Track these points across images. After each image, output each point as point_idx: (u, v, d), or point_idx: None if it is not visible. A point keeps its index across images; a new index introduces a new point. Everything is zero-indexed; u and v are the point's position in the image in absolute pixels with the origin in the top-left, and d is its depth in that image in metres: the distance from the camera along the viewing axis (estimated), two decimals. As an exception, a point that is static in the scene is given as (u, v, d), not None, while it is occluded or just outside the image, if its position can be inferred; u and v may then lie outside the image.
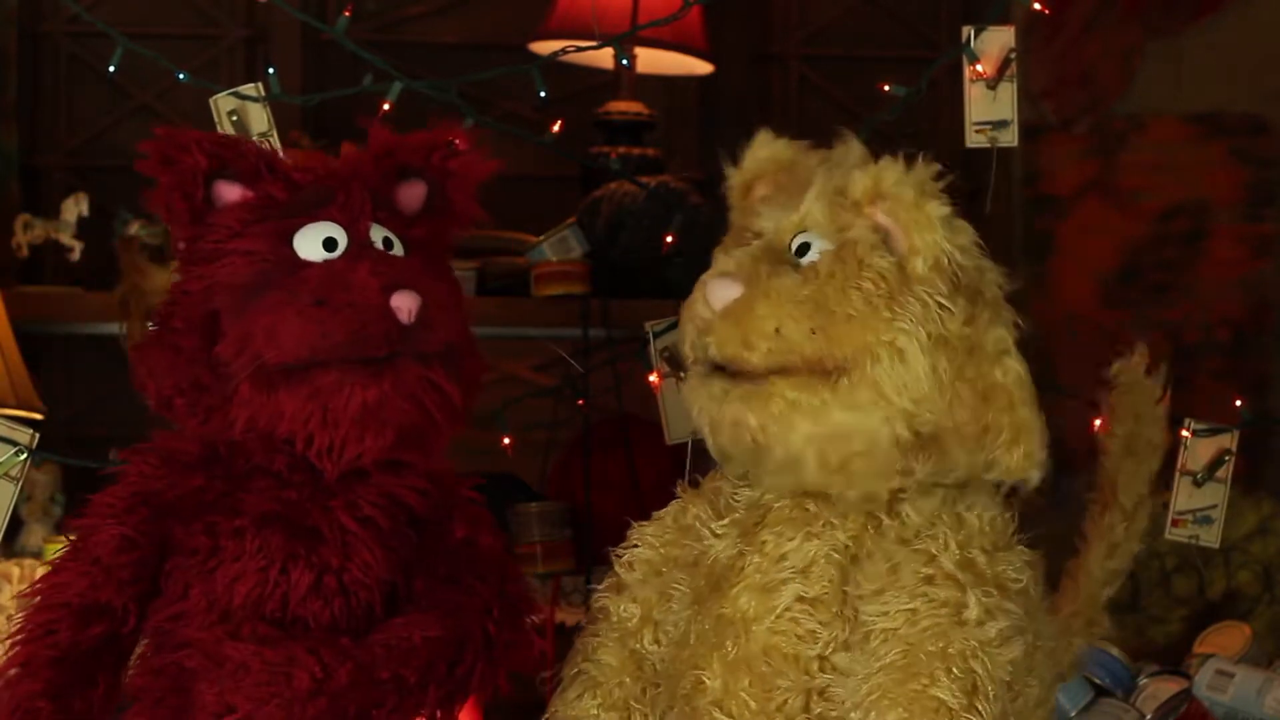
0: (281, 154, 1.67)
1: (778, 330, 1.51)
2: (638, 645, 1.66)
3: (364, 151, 1.66)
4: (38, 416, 2.75)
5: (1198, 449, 2.27)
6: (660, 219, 3.10)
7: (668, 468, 2.29)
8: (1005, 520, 1.60)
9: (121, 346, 3.15)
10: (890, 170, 1.57)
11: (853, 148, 1.63)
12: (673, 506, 1.70)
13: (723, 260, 1.59)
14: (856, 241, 1.55)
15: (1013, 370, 1.57)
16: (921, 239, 1.54)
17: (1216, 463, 2.28)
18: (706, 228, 3.13)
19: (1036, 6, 2.27)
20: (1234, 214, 3.84)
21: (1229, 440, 2.28)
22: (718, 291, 1.55)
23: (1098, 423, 1.94)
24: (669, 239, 2.98)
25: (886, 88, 2.20)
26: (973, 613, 1.50)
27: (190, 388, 1.58)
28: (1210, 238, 3.85)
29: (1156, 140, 3.87)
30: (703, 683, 1.56)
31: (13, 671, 1.54)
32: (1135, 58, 3.88)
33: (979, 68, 2.13)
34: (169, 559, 1.58)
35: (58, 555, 1.60)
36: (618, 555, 1.70)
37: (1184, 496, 2.27)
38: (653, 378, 2.25)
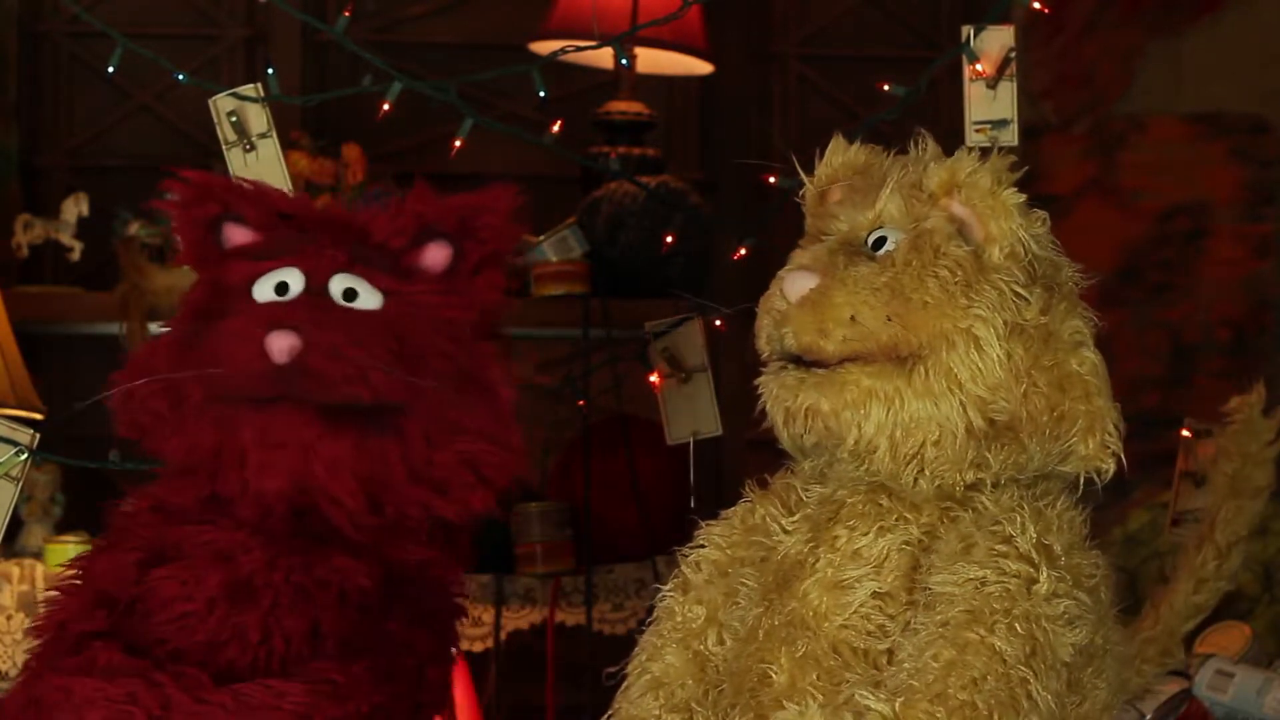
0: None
1: (853, 318, 1.53)
2: (701, 646, 1.65)
3: (383, 212, 1.69)
4: (38, 416, 2.74)
5: (1198, 449, 2.27)
6: (660, 219, 3.10)
7: (668, 468, 2.29)
8: (1080, 520, 1.59)
9: (122, 346, 3.15)
10: (965, 161, 1.59)
11: (928, 145, 1.65)
12: (741, 507, 1.69)
13: (798, 255, 1.61)
14: (932, 231, 1.56)
15: (1088, 361, 1.59)
16: (998, 226, 1.57)
17: (1217, 463, 2.27)
18: (706, 228, 3.13)
19: (1036, 6, 2.27)
20: (1234, 214, 3.84)
21: (1229, 440, 2.28)
22: (794, 283, 1.55)
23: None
24: (669, 239, 2.97)
25: (886, 87, 2.20)
26: (1043, 587, 1.49)
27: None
28: (1210, 238, 3.85)
29: (1156, 140, 3.87)
30: (769, 676, 1.56)
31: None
32: (1135, 58, 3.88)
33: (979, 67, 2.13)
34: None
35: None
36: (684, 555, 1.69)
37: (1184, 497, 2.27)
38: (653, 378, 2.25)
